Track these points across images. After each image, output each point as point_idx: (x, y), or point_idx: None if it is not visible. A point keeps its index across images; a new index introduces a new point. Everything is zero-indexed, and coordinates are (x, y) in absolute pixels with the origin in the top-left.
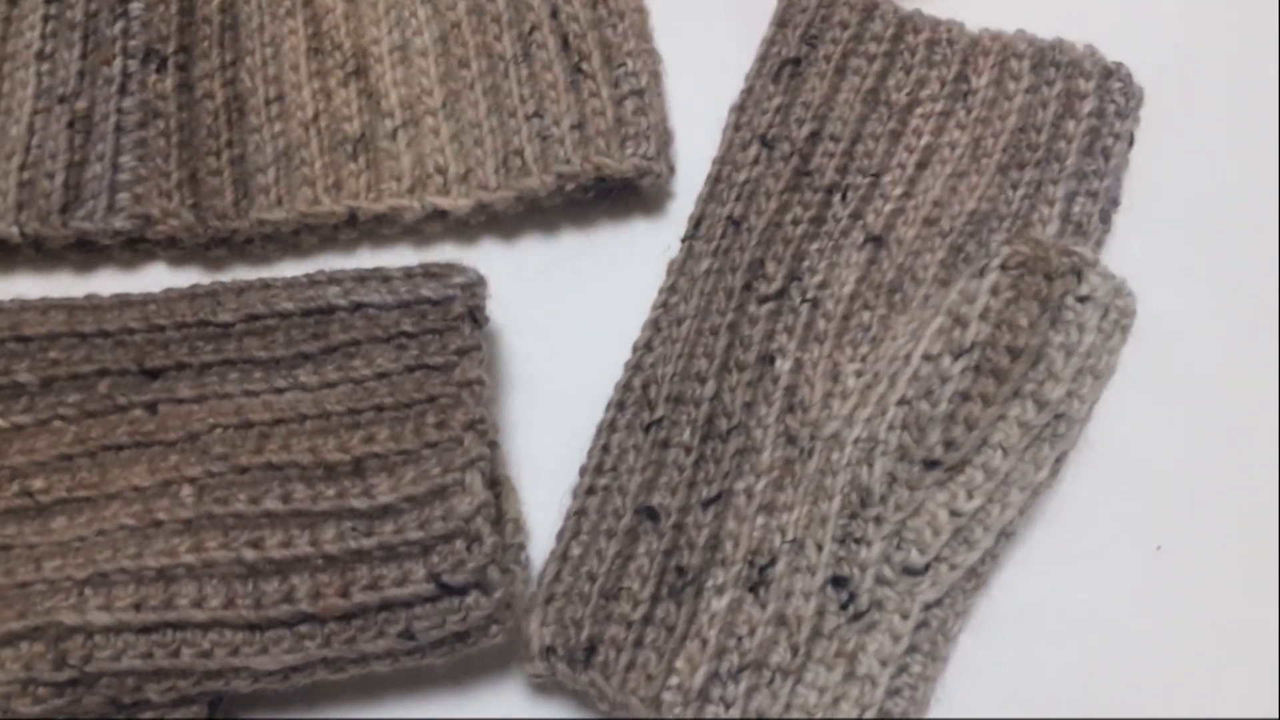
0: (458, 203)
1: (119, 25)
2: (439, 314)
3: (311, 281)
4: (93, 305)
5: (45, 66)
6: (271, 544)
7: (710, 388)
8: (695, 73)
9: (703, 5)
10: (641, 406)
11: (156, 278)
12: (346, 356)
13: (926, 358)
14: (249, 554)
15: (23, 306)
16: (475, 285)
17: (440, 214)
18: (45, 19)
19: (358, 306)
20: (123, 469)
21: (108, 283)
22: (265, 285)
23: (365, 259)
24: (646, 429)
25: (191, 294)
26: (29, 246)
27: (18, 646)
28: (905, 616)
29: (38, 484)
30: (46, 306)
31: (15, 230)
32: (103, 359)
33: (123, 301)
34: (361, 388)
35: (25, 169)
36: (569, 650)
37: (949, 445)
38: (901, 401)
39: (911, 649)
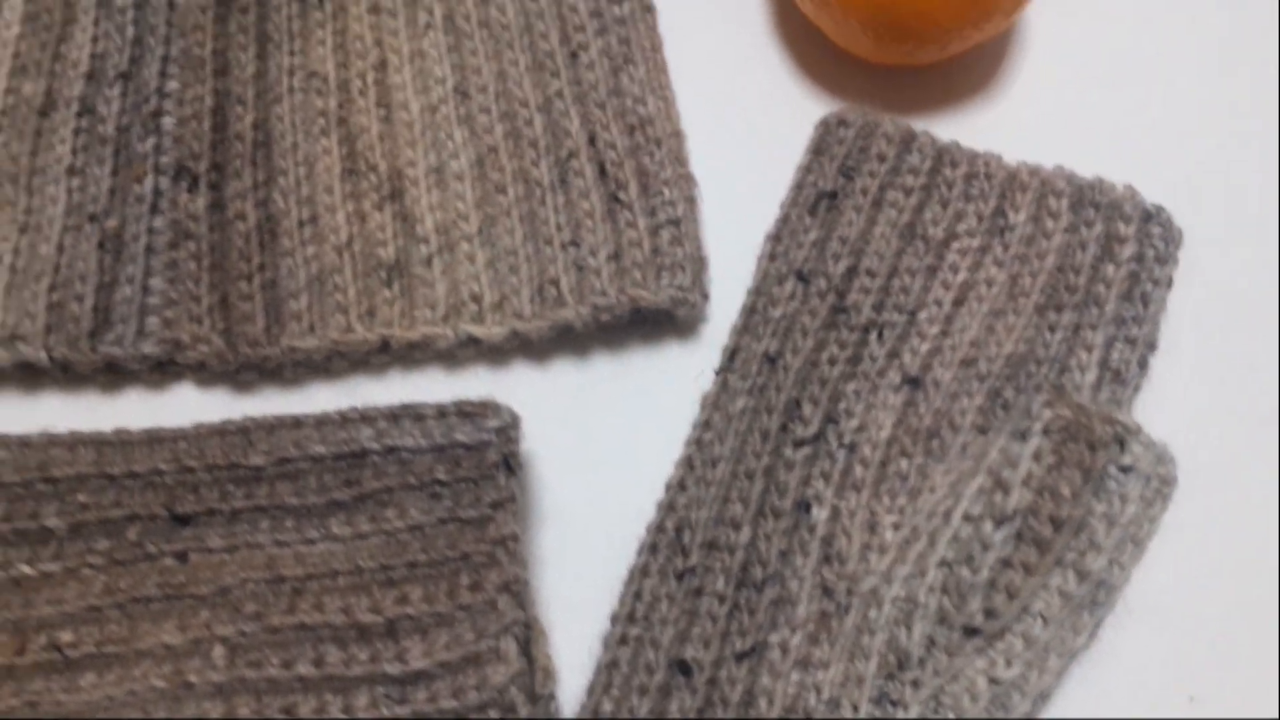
0: (492, 331)
1: (151, 141)
2: (473, 461)
3: (344, 420)
4: (121, 442)
5: (75, 182)
6: (304, 711)
7: (745, 534)
8: (730, 195)
9: (738, 128)
10: (674, 552)
11: (184, 398)
12: (379, 505)
13: (967, 519)
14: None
15: (50, 441)
16: (509, 429)
17: (473, 340)
18: (76, 132)
19: (391, 450)
20: (153, 624)
21: (135, 403)
22: (297, 424)
23: (396, 382)
24: (680, 576)
25: (221, 431)
26: (57, 369)
27: None
28: None
29: (66, 637)
30: (74, 442)
31: (44, 355)
32: (132, 503)
33: (152, 438)
34: (394, 541)
35: (54, 290)
36: None
37: (989, 614)
38: (942, 563)
39: None
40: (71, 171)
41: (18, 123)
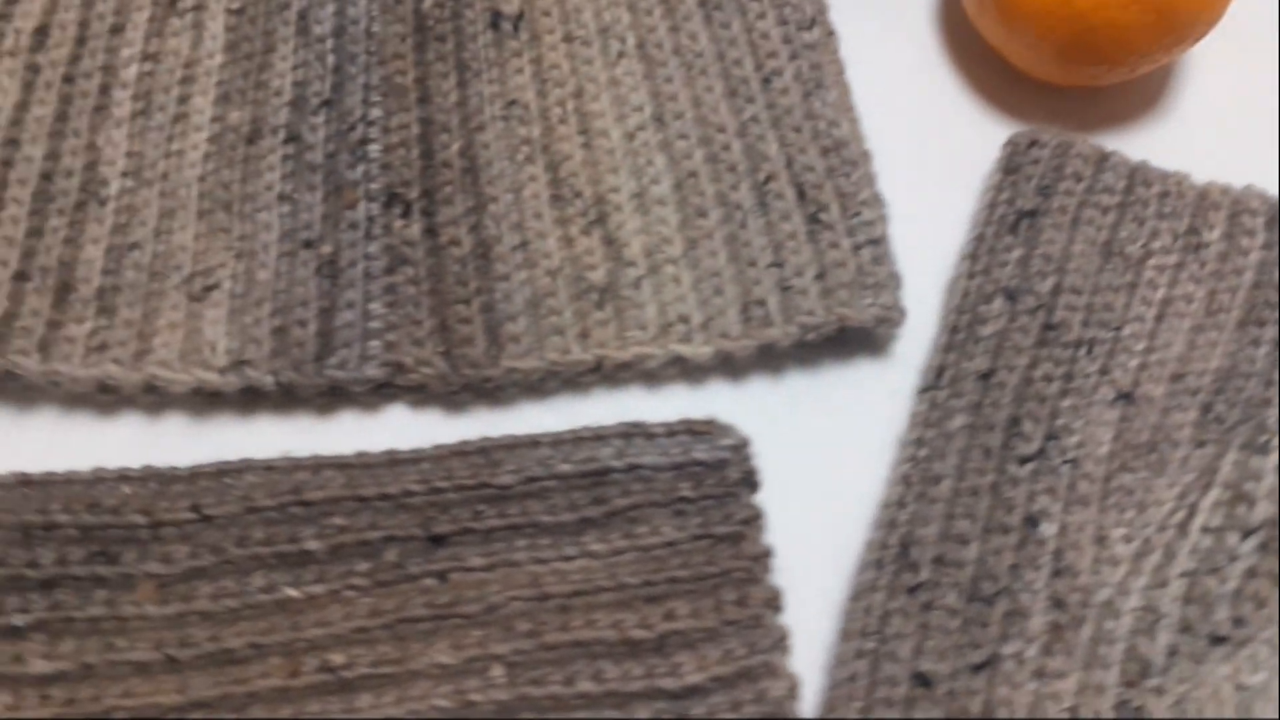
0: (699, 350)
1: (360, 169)
2: (714, 479)
3: (578, 439)
4: (364, 464)
5: (287, 209)
6: None
7: (974, 550)
8: (907, 215)
9: (912, 149)
10: (902, 567)
11: (398, 419)
12: (629, 522)
13: (1207, 530)
14: None
15: (295, 465)
16: (743, 447)
17: (678, 359)
18: (284, 159)
19: (632, 468)
20: (423, 644)
21: (350, 425)
22: (534, 443)
23: (601, 400)
24: (911, 591)
25: (462, 451)
26: (279, 393)
27: None
28: None
29: (338, 658)
30: (318, 465)
31: (270, 379)
32: (388, 525)
33: (393, 460)
34: (651, 557)
35: (276, 315)
36: None
37: (1237, 622)
38: (1183, 574)
39: None
40: (283, 198)
41: (225, 150)
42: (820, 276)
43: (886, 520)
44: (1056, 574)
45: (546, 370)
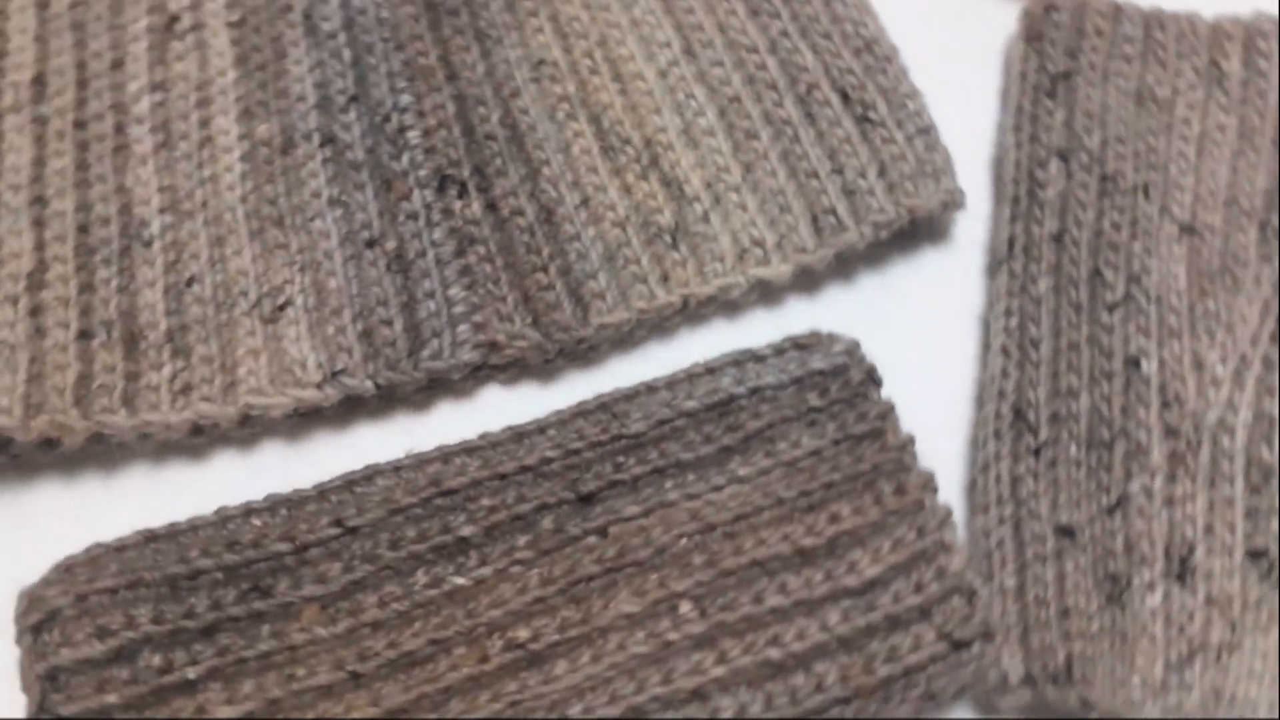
0: (780, 270)
1: (405, 158)
2: (838, 384)
3: (693, 377)
4: (493, 444)
5: (340, 213)
6: (789, 639)
7: (1085, 401)
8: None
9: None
10: (1021, 433)
11: (494, 399)
12: (768, 442)
13: None
14: (774, 653)
15: (423, 460)
16: (856, 349)
17: (759, 283)
18: (325, 163)
19: (755, 391)
20: (604, 599)
21: (449, 414)
22: (651, 389)
23: (686, 340)
24: (1035, 453)
25: (583, 411)
26: (378, 397)
27: None
28: None
29: (523, 634)
30: (447, 455)
31: (369, 384)
32: (536, 495)
33: (519, 434)
34: (798, 470)
35: (358, 320)
36: (1050, 674)
37: None
38: None
39: None
40: (333, 202)
41: (261, 165)
42: (882, 174)
43: (994, 393)
44: (1165, 406)
45: (636, 320)
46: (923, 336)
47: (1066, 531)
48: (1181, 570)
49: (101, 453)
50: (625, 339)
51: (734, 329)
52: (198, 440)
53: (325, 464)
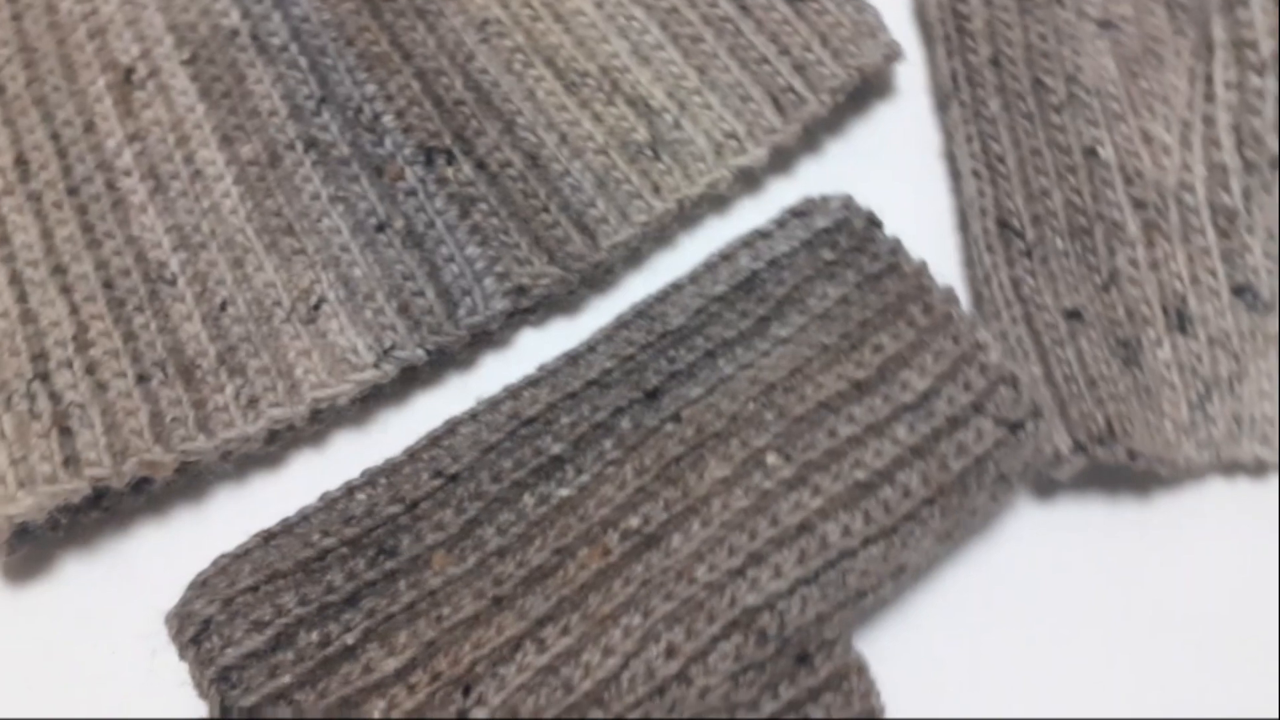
0: (757, 154)
1: (387, 142)
2: (845, 235)
3: (711, 267)
4: (553, 371)
5: (342, 208)
6: (869, 459)
7: (1058, 197)
8: None
9: None
10: (1009, 240)
11: (530, 341)
12: (798, 303)
13: (1228, 85)
14: (860, 474)
15: (495, 402)
16: (851, 201)
17: (741, 173)
18: (314, 165)
19: (773, 263)
20: (696, 473)
21: (494, 365)
22: (677, 288)
23: (686, 246)
24: (1027, 254)
25: (622, 324)
26: (428, 364)
27: (722, 645)
28: None
29: (634, 522)
30: (514, 392)
31: (421, 352)
32: (608, 402)
33: (573, 357)
34: (833, 317)
35: (391, 298)
36: (1095, 437)
37: None
38: (1229, 127)
39: None
40: (334, 200)
41: (255, 184)
42: (824, 43)
43: (977, 212)
44: (1128, 182)
45: (641, 234)
46: (895, 184)
47: (1073, 314)
48: (1180, 322)
49: (186, 486)
50: (634, 256)
51: (727, 224)
52: (272, 449)
53: (394, 440)
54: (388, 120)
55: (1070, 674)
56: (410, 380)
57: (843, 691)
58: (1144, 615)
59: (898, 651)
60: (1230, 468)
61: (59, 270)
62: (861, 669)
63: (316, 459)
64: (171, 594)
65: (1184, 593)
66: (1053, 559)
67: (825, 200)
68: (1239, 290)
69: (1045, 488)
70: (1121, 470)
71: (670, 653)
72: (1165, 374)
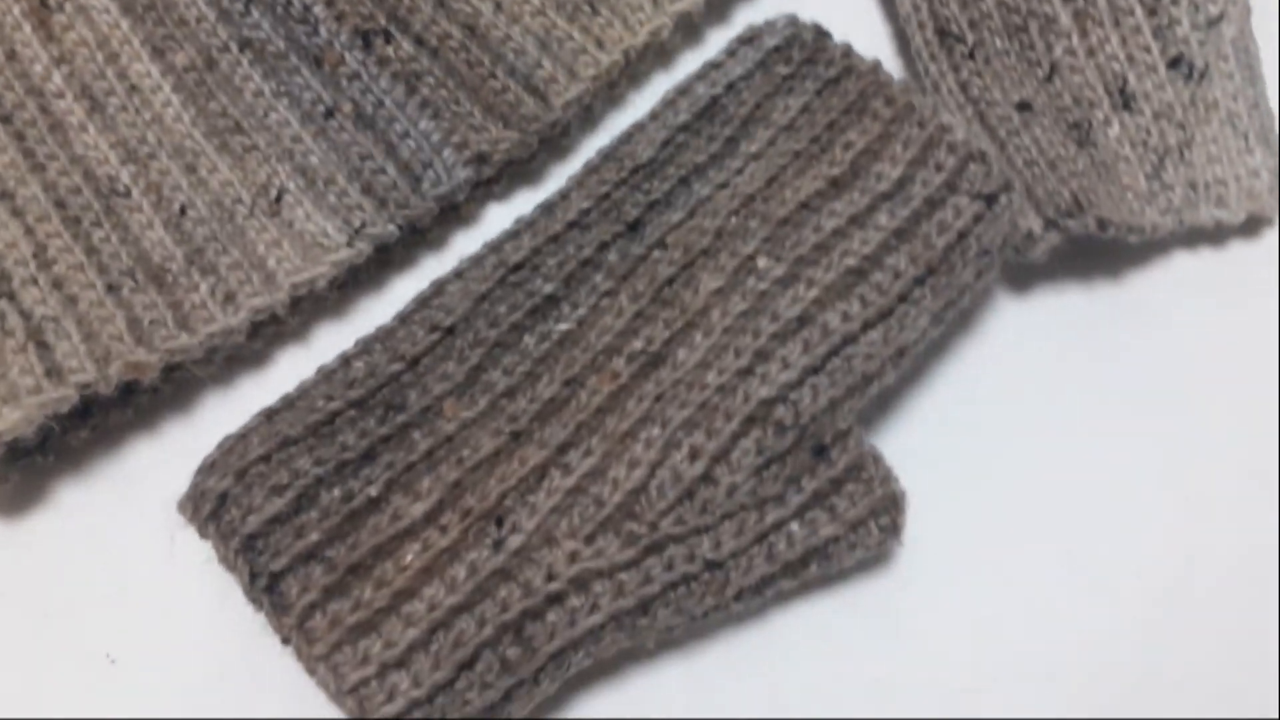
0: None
1: (321, 31)
2: (797, 48)
3: (670, 101)
4: (530, 222)
5: (286, 101)
6: (857, 247)
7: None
8: None
9: None
10: (951, 46)
11: (497, 215)
12: (762, 119)
13: None
14: (851, 262)
15: (477, 258)
16: (796, 19)
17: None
18: (252, 64)
19: (730, 86)
20: (690, 290)
21: (465, 242)
22: (640, 127)
23: (636, 103)
24: (970, 56)
25: (591, 169)
26: (400, 243)
27: (742, 442)
28: (1225, 59)
29: (638, 344)
30: (496, 245)
31: (393, 227)
32: (593, 238)
33: (547, 206)
34: (799, 124)
35: (353, 180)
36: (1064, 211)
37: None
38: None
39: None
40: (278, 94)
41: (195, 90)
42: None
43: (915, 26)
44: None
45: (592, 89)
46: (831, 15)
47: (1024, 106)
48: (1124, 100)
49: (174, 396)
50: (589, 117)
51: (671, 79)
52: (256, 345)
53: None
54: (318, 10)
55: (1066, 453)
56: (385, 265)
57: (863, 480)
58: (1129, 390)
59: (900, 451)
60: (1193, 234)
61: (5, 195)
62: (877, 458)
63: (302, 354)
64: (172, 502)
65: (1164, 366)
66: (1038, 348)
67: (770, 23)
68: (1174, 63)
69: (1023, 281)
70: (1093, 250)
71: (694, 455)
72: (1119, 150)
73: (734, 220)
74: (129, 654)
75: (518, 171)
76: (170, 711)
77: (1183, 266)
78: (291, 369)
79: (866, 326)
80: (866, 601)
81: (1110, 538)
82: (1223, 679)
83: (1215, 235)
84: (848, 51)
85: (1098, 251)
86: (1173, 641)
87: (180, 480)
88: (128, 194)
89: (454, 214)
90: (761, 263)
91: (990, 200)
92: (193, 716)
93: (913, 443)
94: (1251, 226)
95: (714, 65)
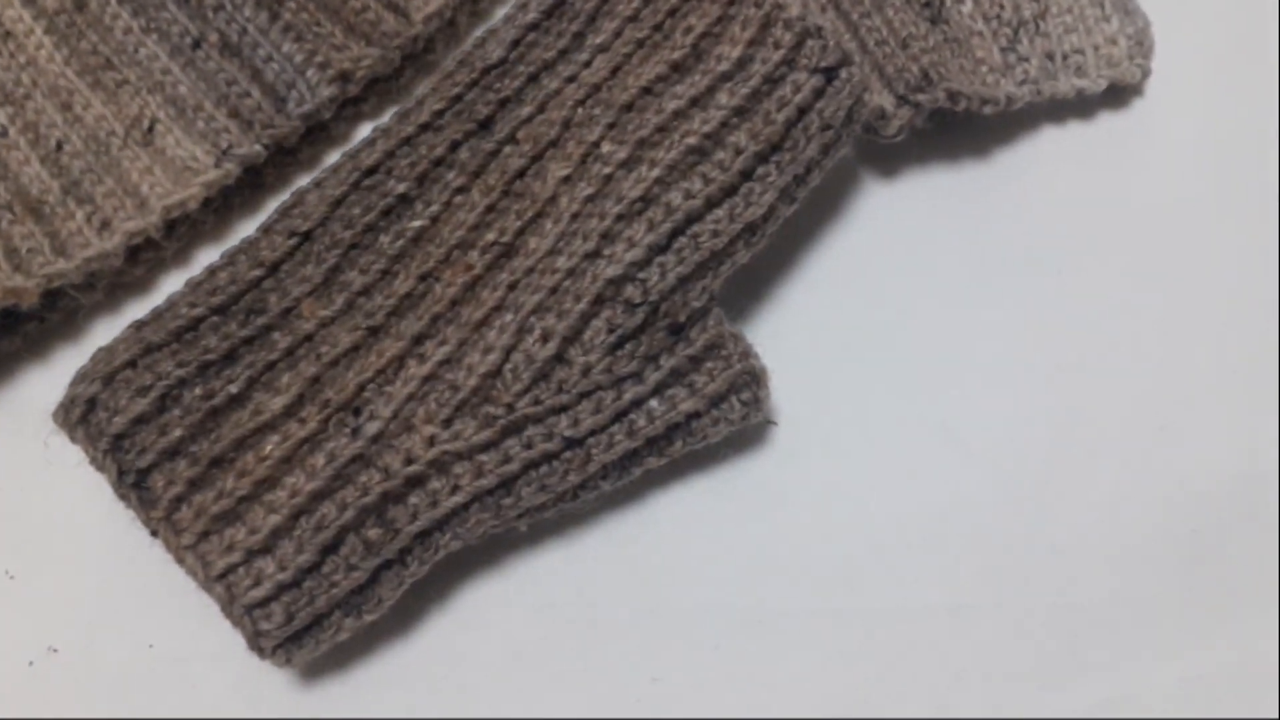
0: None
1: None
2: None
3: (521, 4)
4: (386, 129)
5: (155, 36)
6: (697, 126)
7: None
8: None
9: None
10: None
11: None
12: (608, 11)
13: None
14: (692, 140)
15: (335, 166)
16: None
17: None
18: (120, 2)
19: None
20: (539, 181)
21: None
22: (490, 30)
23: (499, 12)
24: None
25: (446, 73)
26: (270, 164)
27: (594, 322)
28: None
29: (491, 236)
30: (354, 151)
31: (259, 147)
32: (443, 139)
33: (403, 112)
34: (642, 16)
35: (220, 105)
36: (914, 86)
37: None
38: None
39: None
40: (146, 30)
41: (65, 29)
42: None
43: None
44: None
45: (453, 2)
46: None
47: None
48: None
49: (62, 325)
50: (452, 32)
51: None
52: (139, 272)
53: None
54: None
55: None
56: (259, 188)
57: (721, 357)
58: (997, 265)
59: (774, 333)
60: (1057, 108)
61: None
62: (736, 336)
63: (183, 277)
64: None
65: (1031, 240)
66: (907, 228)
67: None
68: None
69: (889, 164)
70: (958, 128)
71: (545, 337)
72: (971, 25)
73: (580, 110)
74: (25, 569)
75: (386, 89)
76: (67, 619)
77: (1050, 140)
78: (175, 288)
79: (710, 204)
80: (742, 481)
81: (983, 410)
82: (1100, 550)
83: (1082, 107)
84: None
85: (963, 131)
86: (1046, 513)
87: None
88: (4, 133)
89: (325, 134)
90: (606, 148)
91: (830, 74)
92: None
93: (786, 324)
94: (1118, 96)
95: None
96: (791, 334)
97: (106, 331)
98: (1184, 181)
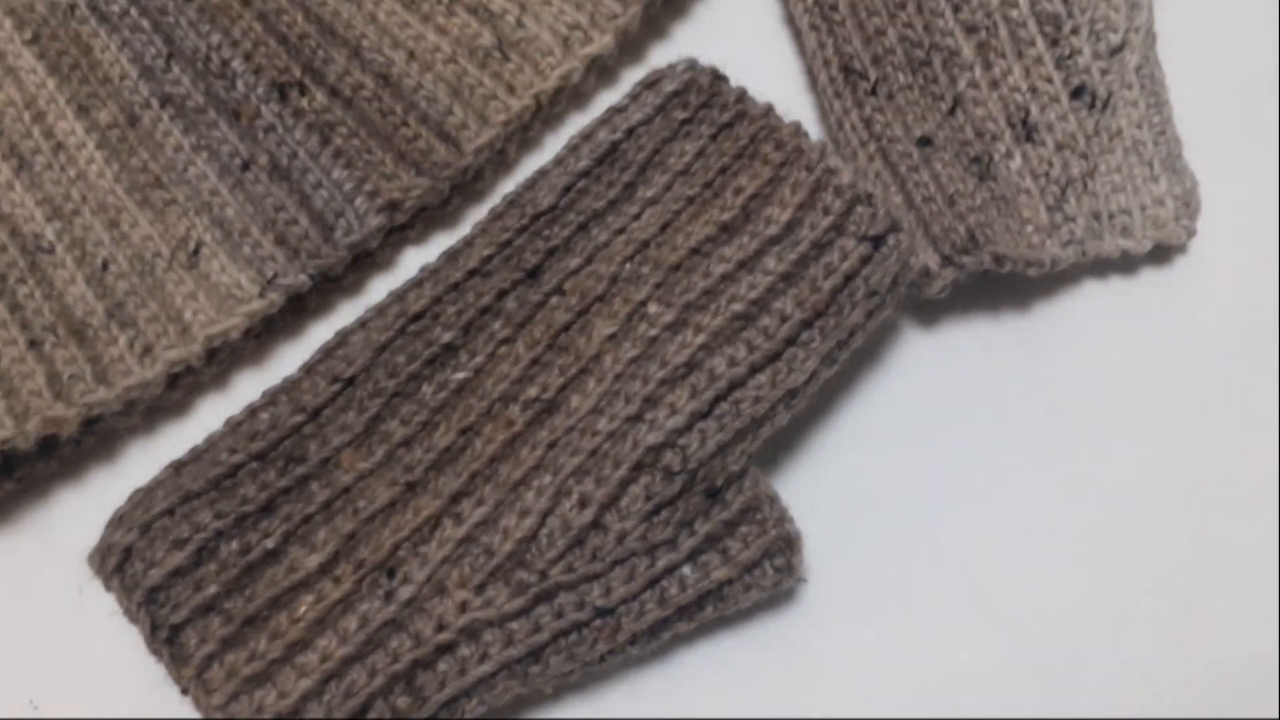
0: (603, 41)
1: (239, 85)
2: (694, 93)
3: (573, 146)
4: (434, 270)
5: (205, 155)
6: (743, 292)
7: (893, 34)
8: None
9: None
10: (855, 82)
11: (413, 260)
12: (659, 164)
13: None
14: (738, 307)
15: (381, 307)
16: (695, 63)
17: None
18: (173, 119)
19: (630, 132)
20: (584, 337)
21: (381, 287)
22: (543, 173)
23: (552, 143)
24: (873, 92)
25: (495, 215)
26: (314, 291)
27: (631, 488)
28: (1129, 87)
29: (533, 392)
30: (400, 294)
31: (304, 277)
32: (491, 287)
33: (452, 253)
34: (694, 170)
35: (267, 231)
36: (960, 248)
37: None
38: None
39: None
40: (196, 149)
41: (117, 146)
42: None
43: (820, 62)
44: (955, 9)
45: (504, 134)
46: (742, 56)
47: (925, 141)
48: (1026, 132)
49: (97, 447)
50: (502, 161)
51: (586, 119)
52: (176, 396)
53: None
54: (236, 64)
55: (975, 487)
56: (302, 313)
57: (756, 521)
58: (1036, 423)
59: (809, 487)
60: (1103, 264)
61: None
62: (772, 499)
63: (222, 402)
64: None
65: (1071, 397)
66: (945, 381)
67: (671, 67)
68: (1077, 93)
69: (929, 315)
70: (1000, 282)
71: (583, 503)
72: (1019, 182)
73: (628, 266)
74: (51, 701)
75: (433, 216)
76: None
77: (1092, 296)
78: (212, 417)
79: (754, 370)
80: (771, 641)
81: (1017, 575)
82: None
83: (1125, 264)
84: (741, 96)
85: (1005, 284)
86: (1080, 681)
87: (101, 528)
88: (51, 250)
89: (370, 260)
90: (652, 309)
91: (877, 242)
92: None
93: (822, 478)
94: (1162, 254)
95: (617, 110)
96: (823, 485)
97: (141, 454)
98: (1225, 343)
